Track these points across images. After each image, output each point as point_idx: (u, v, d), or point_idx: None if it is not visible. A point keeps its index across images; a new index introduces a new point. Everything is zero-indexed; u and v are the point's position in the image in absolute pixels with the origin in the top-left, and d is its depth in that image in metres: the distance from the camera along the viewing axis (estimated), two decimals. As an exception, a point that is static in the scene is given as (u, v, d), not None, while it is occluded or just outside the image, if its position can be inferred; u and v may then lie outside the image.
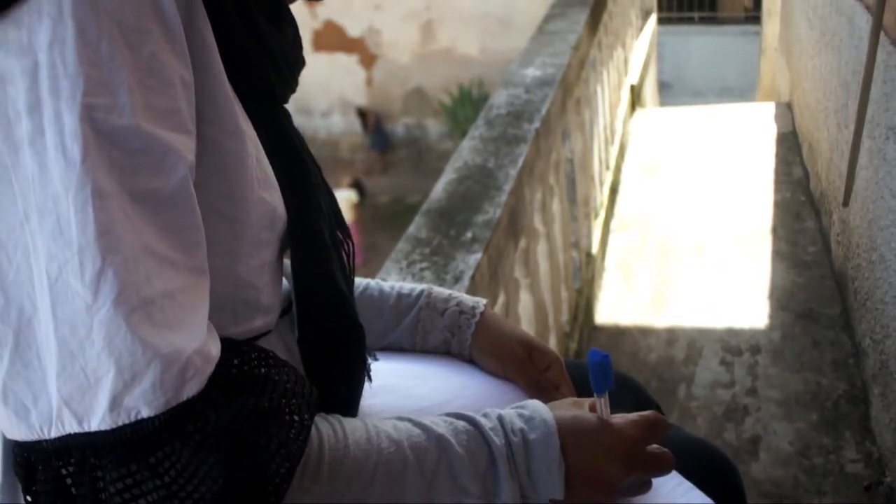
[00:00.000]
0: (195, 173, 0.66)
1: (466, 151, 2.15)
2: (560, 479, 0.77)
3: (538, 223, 2.42)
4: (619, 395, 1.09)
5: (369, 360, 0.92)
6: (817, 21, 3.94)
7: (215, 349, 0.66)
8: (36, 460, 0.64)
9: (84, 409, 0.60)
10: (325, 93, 12.84)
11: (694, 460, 1.01)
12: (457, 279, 1.60)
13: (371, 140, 12.64)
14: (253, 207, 0.72)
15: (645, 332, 3.25)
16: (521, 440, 0.77)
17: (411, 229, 1.79)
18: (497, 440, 0.77)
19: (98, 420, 0.60)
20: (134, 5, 0.61)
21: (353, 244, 0.89)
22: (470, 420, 0.79)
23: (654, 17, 6.77)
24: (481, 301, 1.08)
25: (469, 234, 1.74)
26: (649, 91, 6.24)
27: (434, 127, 12.64)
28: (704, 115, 5.41)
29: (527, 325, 2.30)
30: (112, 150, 0.60)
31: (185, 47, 0.64)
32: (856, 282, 2.92)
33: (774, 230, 3.85)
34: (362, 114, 12.65)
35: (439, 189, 1.96)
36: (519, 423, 0.79)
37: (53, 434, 0.61)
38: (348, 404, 0.86)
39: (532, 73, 2.74)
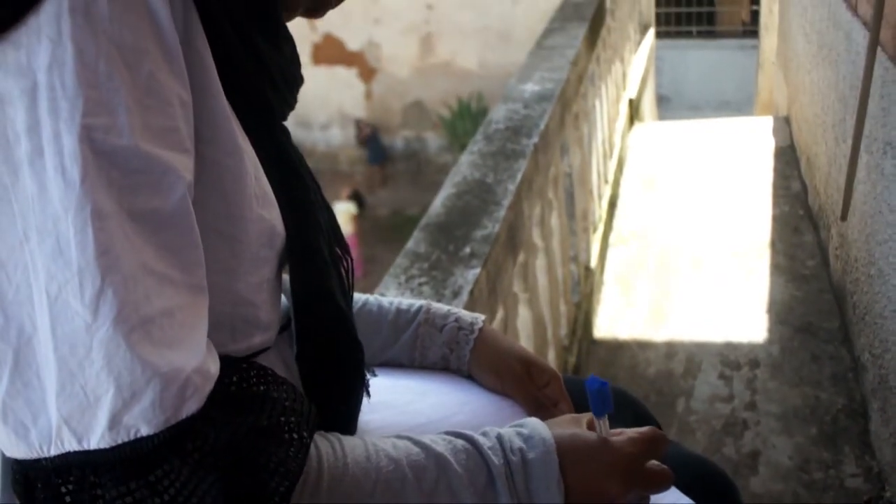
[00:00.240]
0: (194, 192, 0.66)
1: (465, 166, 2.16)
2: (559, 497, 0.77)
3: (537, 238, 2.43)
4: (618, 410, 1.09)
5: (368, 376, 0.92)
6: (815, 36, 3.95)
7: (214, 367, 0.66)
8: (35, 478, 0.64)
9: (84, 427, 0.60)
10: (324, 106, 12.87)
11: (693, 476, 1.01)
12: (455, 294, 1.60)
13: (368, 154, 12.66)
14: (251, 226, 0.72)
15: (643, 346, 3.25)
16: (520, 459, 0.77)
17: (410, 244, 1.79)
18: (496, 459, 0.77)
19: (97, 438, 0.60)
20: (132, 26, 0.61)
21: (352, 260, 0.89)
22: (469, 439, 0.79)
23: (652, 32, 6.80)
24: (480, 317, 1.08)
25: (468, 249, 1.74)
26: (647, 105, 6.26)
27: (433, 140, 12.67)
28: (702, 129, 5.43)
29: (525, 339, 2.30)
30: (111, 170, 0.60)
31: (183, 67, 0.65)
32: (854, 296, 2.92)
33: (773, 244, 3.85)
34: (358, 125, 12.68)
35: (438, 204, 1.96)
36: (518, 443, 0.79)
37: (53, 452, 0.62)
38: (347, 420, 0.86)
39: (531, 88, 2.74)
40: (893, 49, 2.35)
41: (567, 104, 2.94)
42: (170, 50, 0.63)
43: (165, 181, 0.62)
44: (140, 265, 0.61)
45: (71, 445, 0.61)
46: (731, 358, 3.11)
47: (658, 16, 8.64)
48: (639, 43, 6.19)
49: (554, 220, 2.67)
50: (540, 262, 2.49)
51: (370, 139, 12.60)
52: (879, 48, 2.41)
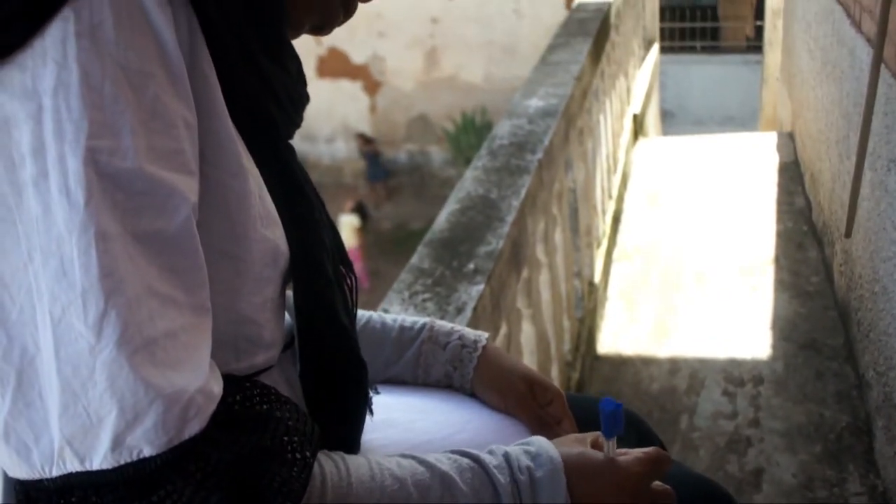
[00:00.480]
0: (198, 213, 0.66)
1: (469, 182, 2.16)
2: None
3: (540, 253, 2.42)
4: (621, 429, 1.10)
5: (371, 394, 0.92)
6: (818, 52, 3.96)
7: (217, 387, 0.66)
8: (37, 499, 0.64)
9: (86, 448, 0.61)
10: (328, 119, 12.90)
11: (695, 496, 1.01)
12: (459, 310, 1.60)
13: (367, 171, 12.69)
14: (255, 246, 0.72)
15: (647, 362, 3.25)
16: (527, 478, 0.78)
17: (414, 260, 1.79)
18: (502, 478, 0.77)
19: (100, 459, 0.60)
20: (138, 48, 0.61)
21: (355, 279, 0.89)
22: (474, 458, 0.79)
23: (656, 47, 6.81)
24: (483, 335, 1.08)
25: (471, 266, 1.74)
26: (652, 120, 6.27)
27: (437, 154, 12.69)
28: (707, 145, 5.43)
29: (529, 355, 2.30)
30: (116, 192, 0.60)
31: (188, 89, 0.65)
32: (859, 313, 2.91)
33: (777, 260, 3.85)
34: (363, 139, 12.71)
35: (442, 219, 1.96)
36: (525, 461, 0.79)
37: (55, 473, 0.62)
38: (350, 439, 0.86)
39: (535, 103, 2.75)
40: (897, 67, 2.36)
41: (571, 120, 2.94)
42: (175, 72, 0.64)
43: (170, 203, 0.63)
44: (144, 287, 0.61)
45: (73, 466, 0.61)
46: (734, 374, 3.10)
47: (662, 31, 8.66)
48: (643, 58, 6.21)
49: (558, 236, 2.67)
50: (543, 278, 2.49)
51: (369, 156, 12.63)
52: (883, 65, 2.42)
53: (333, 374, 0.83)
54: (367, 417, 0.90)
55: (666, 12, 10.59)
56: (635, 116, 5.20)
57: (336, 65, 12.60)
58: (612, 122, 4.21)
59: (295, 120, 0.81)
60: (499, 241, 1.84)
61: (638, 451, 0.84)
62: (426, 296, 1.66)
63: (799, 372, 3.06)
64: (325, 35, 0.83)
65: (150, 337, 0.61)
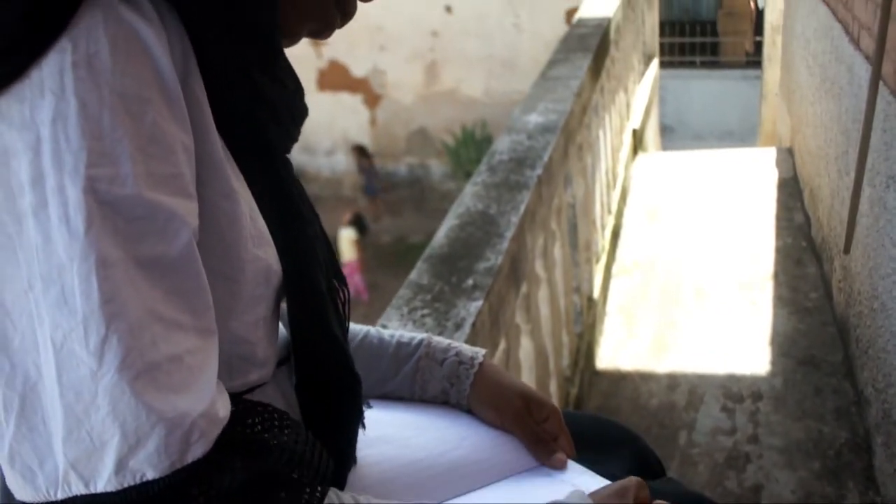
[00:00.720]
0: (197, 235, 0.67)
1: (468, 197, 2.16)
2: None
3: (539, 269, 2.43)
4: (618, 447, 1.10)
5: (364, 408, 0.92)
6: (817, 68, 3.97)
7: (224, 410, 0.66)
8: None
9: (90, 471, 0.61)
10: (328, 132, 12.92)
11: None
12: (458, 326, 1.60)
13: (366, 186, 12.71)
14: (247, 265, 0.73)
15: (646, 378, 3.24)
16: None
17: (413, 275, 1.80)
18: None
19: (104, 482, 0.61)
20: (135, 75, 0.62)
21: (348, 292, 0.89)
22: None
23: (655, 62, 6.83)
24: (480, 351, 1.08)
25: (470, 282, 1.74)
26: (651, 135, 6.28)
27: (437, 167, 12.70)
28: (706, 160, 5.44)
29: (527, 370, 2.29)
30: (116, 219, 0.61)
31: (185, 111, 0.65)
32: (857, 329, 2.91)
33: (776, 276, 3.85)
34: (360, 151, 12.71)
35: (441, 235, 1.96)
36: None
37: (60, 496, 0.62)
38: (345, 452, 0.86)
39: (535, 119, 2.76)
40: (895, 83, 2.36)
41: (571, 135, 2.95)
42: (171, 95, 0.64)
43: (170, 227, 0.63)
44: (147, 311, 0.62)
45: (78, 489, 0.62)
46: (733, 390, 3.10)
47: (662, 46, 8.69)
48: (642, 73, 6.22)
49: (557, 251, 2.67)
50: (542, 293, 2.49)
51: (366, 171, 12.66)
52: (882, 82, 2.42)
53: (328, 387, 0.83)
54: (360, 432, 0.90)
55: (665, 27, 10.63)
56: (635, 131, 5.21)
57: (336, 78, 12.63)
58: (611, 137, 4.22)
59: (293, 134, 0.81)
60: (498, 257, 1.84)
61: (614, 485, 0.84)
62: (425, 311, 1.66)
63: (798, 388, 3.06)
64: (325, 38, 0.84)
65: (153, 361, 0.61)
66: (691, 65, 12.36)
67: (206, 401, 0.64)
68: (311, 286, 0.80)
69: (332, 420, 0.83)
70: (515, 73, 11.67)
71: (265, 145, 0.76)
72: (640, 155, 5.34)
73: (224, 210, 0.70)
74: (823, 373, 3.12)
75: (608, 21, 4.22)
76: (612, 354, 3.41)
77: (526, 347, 2.26)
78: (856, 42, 2.98)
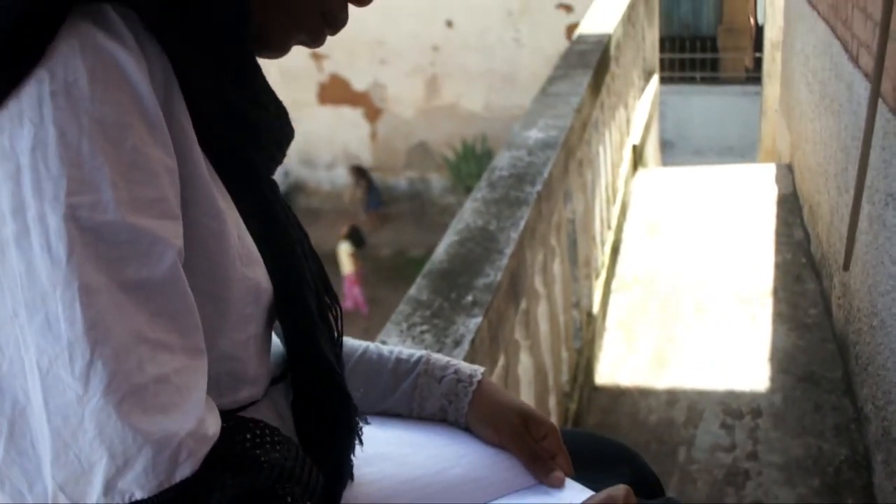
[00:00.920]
0: (183, 254, 0.67)
1: (468, 213, 2.17)
2: None
3: (539, 285, 2.43)
4: (616, 465, 1.09)
5: (360, 424, 0.92)
6: (817, 85, 3.99)
7: (213, 428, 0.66)
8: None
9: (79, 493, 0.62)
10: (329, 145, 12.95)
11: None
12: (457, 343, 1.60)
13: (367, 201, 12.72)
14: (235, 285, 0.74)
15: (645, 394, 3.24)
16: None
17: (412, 291, 1.80)
18: None
19: (93, 503, 0.61)
20: (114, 102, 0.63)
21: (340, 309, 0.90)
22: None
23: (656, 77, 6.84)
24: (479, 369, 1.08)
25: (470, 298, 1.74)
26: (651, 150, 6.29)
27: (437, 181, 12.72)
28: (706, 176, 5.45)
29: (526, 386, 2.29)
30: (98, 245, 0.62)
31: (167, 135, 0.66)
32: (857, 346, 2.91)
33: (775, 292, 3.85)
34: (358, 172, 12.73)
35: (441, 251, 1.97)
36: None
37: None
38: (340, 470, 0.86)
39: (535, 135, 2.76)
40: (894, 101, 2.37)
41: (571, 151, 2.96)
42: (153, 120, 0.65)
43: (155, 251, 0.64)
44: (133, 334, 0.62)
45: None
46: (733, 406, 3.09)
47: (662, 61, 8.71)
48: (643, 89, 6.24)
49: (556, 267, 2.68)
50: (542, 309, 2.49)
51: (366, 190, 12.68)
52: (881, 100, 2.43)
53: (320, 406, 0.83)
54: (358, 448, 0.90)
55: (665, 43, 10.66)
56: (635, 147, 5.22)
57: (337, 92, 12.66)
58: (611, 152, 4.23)
59: (276, 157, 0.82)
60: (497, 274, 1.84)
61: (601, 494, 0.84)
62: (424, 328, 1.66)
63: (797, 405, 3.06)
64: (317, 48, 0.84)
65: (139, 383, 0.62)
66: (691, 80, 12.39)
67: (194, 420, 0.64)
68: (300, 305, 0.81)
69: (326, 437, 0.84)
70: (516, 88, 11.70)
71: (247, 168, 0.77)
72: (640, 170, 5.35)
73: (211, 230, 0.71)
74: (823, 389, 3.12)
75: (608, 37, 4.24)
76: (611, 370, 3.41)
77: (525, 363, 2.26)
78: (855, 60, 2.99)
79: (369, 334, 1.31)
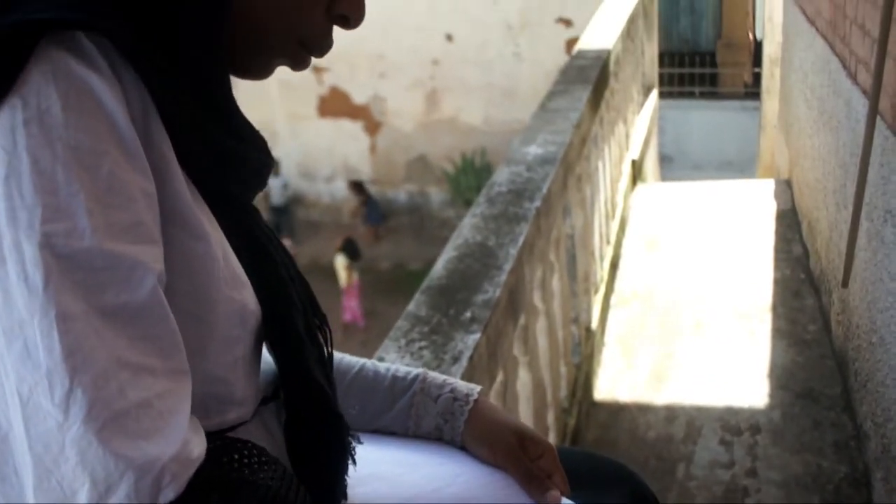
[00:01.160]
0: (165, 276, 0.67)
1: (467, 229, 2.17)
2: None
3: (538, 300, 2.42)
4: (613, 484, 1.09)
5: (353, 444, 0.92)
6: (815, 101, 3.99)
7: (198, 450, 0.66)
8: None
9: None
10: (328, 158, 12.98)
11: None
12: (455, 359, 1.60)
13: (368, 216, 12.75)
14: (220, 307, 0.73)
15: (644, 409, 3.23)
16: None
17: (411, 307, 1.80)
18: None
19: None
20: (88, 129, 0.62)
21: (329, 330, 0.90)
22: None
23: (655, 92, 6.86)
24: (475, 388, 1.08)
25: (468, 314, 1.74)
26: (650, 165, 6.30)
27: (436, 195, 12.74)
28: (705, 191, 5.46)
29: (525, 402, 2.29)
30: (75, 272, 0.61)
31: (144, 161, 0.66)
32: (856, 363, 2.91)
33: (774, 308, 3.84)
34: (357, 187, 12.76)
35: (440, 267, 1.96)
36: None
37: None
38: (332, 491, 0.86)
39: (534, 150, 2.77)
40: (892, 118, 2.38)
41: (570, 167, 2.96)
42: (128, 146, 0.65)
43: (134, 276, 0.64)
44: (113, 360, 0.62)
45: None
46: (731, 423, 3.08)
47: (661, 76, 8.73)
48: (642, 104, 6.25)
49: (555, 283, 2.67)
50: (540, 325, 2.48)
51: (364, 205, 12.71)
52: (879, 117, 2.44)
53: (313, 425, 0.83)
54: (351, 468, 0.90)
55: (665, 58, 10.69)
56: (634, 162, 5.23)
57: (337, 104, 12.70)
58: (610, 168, 4.23)
59: (255, 187, 0.82)
60: (496, 290, 1.84)
61: None
62: (422, 344, 1.66)
63: (796, 421, 3.05)
64: (303, 70, 0.84)
65: (120, 409, 0.62)
66: (690, 95, 12.44)
67: (177, 444, 0.64)
68: (287, 327, 0.81)
69: (319, 457, 0.83)
70: (515, 102, 11.74)
71: (225, 195, 0.77)
72: (640, 185, 5.35)
73: (196, 252, 0.71)
74: (822, 406, 3.11)
75: (608, 53, 4.25)
76: (610, 385, 3.40)
77: (524, 379, 2.25)
78: (853, 77, 3.00)
79: (367, 347, 1.31)
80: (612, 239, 4.22)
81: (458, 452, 1.04)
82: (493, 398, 1.84)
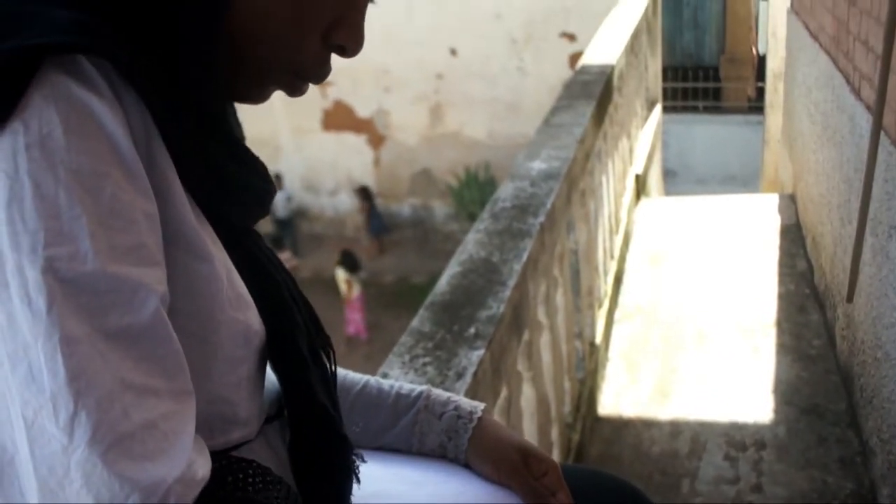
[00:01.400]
0: (168, 297, 0.67)
1: (471, 245, 2.17)
2: None
3: (542, 316, 2.42)
4: (618, 502, 1.09)
5: (357, 462, 0.92)
6: (819, 116, 4.00)
7: (203, 470, 0.66)
8: None
9: None
10: (332, 171, 13.01)
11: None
12: (459, 375, 1.59)
13: (371, 225, 12.77)
14: (224, 328, 0.74)
15: (648, 424, 3.22)
16: None
17: (415, 323, 1.79)
18: None
19: None
20: (90, 151, 0.63)
21: (333, 351, 0.90)
22: None
23: (658, 107, 6.87)
24: (479, 406, 1.08)
25: (472, 330, 1.74)
26: (654, 180, 6.31)
27: (440, 209, 12.76)
28: (709, 206, 5.45)
29: (529, 417, 2.28)
30: (79, 295, 0.61)
31: (146, 183, 0.66)
32: (861, 378, 2.90)
33: (779, 323, 3.84)
34: (364, 194, 12.77)
35: (444, 282, 1.96)
36: None
37: None
38: None
39: (538, 166, 2.77)
40: (897, 135, 2.38)
41: (574, 182, 2.96)
42: (131, 169, 0.65)
43: (137, 298, 0.64)
44: (117, 382, 0.62)
45: None
46: (736, 438, 3.07)
47: (665, 91, 8.75)
48: (646, 118, 6.26)
49: (559, 298, 2.67)
50: (544, 340, 2.48)
51: (367, 213, 12.73)
52: (883, 133, 2.44)
53: (317, 445, 0.83)
54: (355, 486, 0.90)
55: (668, 73, 10.72)
56: (637, 176, 5.23)
57: (341, 118, 12.74)
58: (614, 182, 4.24)
59: (256, 213, 0.82)
60: (500, 306, 1.84)
61: None
62: (426, 360, 1.66)
63: (801, 437, 3.04)
64: (300, 95, 0.84)
65: (125, 432, 0.62)
66: (694, 110, 12.46)
67: (182, 465, 0.64)
68: (291, 348, 0.81)
69: (323, 476, 0.83)
70: (519, 116, 11.76)
71: (225, 219, 0.77)
72: (643, 200, 5.35)
73: (199, 273, 0.71)
74: (827, 422, 3.10)
75: (611, 68, 4.26)
76: (614, 400, 3.39)
77: (527, 395, 2.25)
78: (857, 92, 3.00)
79: (370, 360, 1.31)
80: (616, 254, 4.22)
81: (462, 470, 1.04)
82: (497, 414, 1.83)
